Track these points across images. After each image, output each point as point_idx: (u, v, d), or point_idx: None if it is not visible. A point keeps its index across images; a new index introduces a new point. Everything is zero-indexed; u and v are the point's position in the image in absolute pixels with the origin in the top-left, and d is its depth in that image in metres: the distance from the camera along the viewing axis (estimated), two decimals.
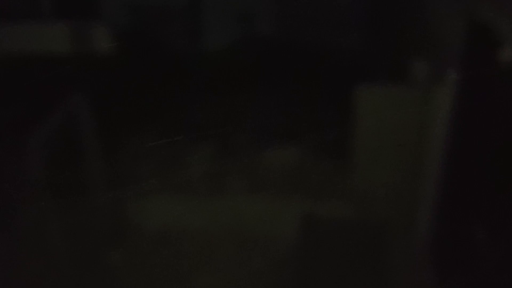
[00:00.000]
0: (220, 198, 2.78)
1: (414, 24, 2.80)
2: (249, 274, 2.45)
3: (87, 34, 2.37)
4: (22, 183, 2.41)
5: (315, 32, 3.36)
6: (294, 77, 3.26)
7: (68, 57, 2.51)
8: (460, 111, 2.31)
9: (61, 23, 2.39)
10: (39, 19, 2.77)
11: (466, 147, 2.23)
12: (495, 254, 1.78)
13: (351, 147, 2.53)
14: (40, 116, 2.16)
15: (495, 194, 1.81)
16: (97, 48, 2.33)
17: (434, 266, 2.54)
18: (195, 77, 3.38)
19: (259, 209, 2.73)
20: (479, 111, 2.01)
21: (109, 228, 2.80)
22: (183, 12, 3.54)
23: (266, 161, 2.92)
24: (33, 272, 2.43)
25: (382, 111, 2.43)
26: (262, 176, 2.89)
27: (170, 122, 3.32)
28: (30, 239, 2.47)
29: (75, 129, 2.51)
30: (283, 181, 2.78)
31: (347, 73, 3.11)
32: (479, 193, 1.98)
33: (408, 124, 2.43)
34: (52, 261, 2.20)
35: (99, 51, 2.35)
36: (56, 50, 2.44)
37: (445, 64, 2.21)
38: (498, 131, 1.80)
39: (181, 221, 2.87)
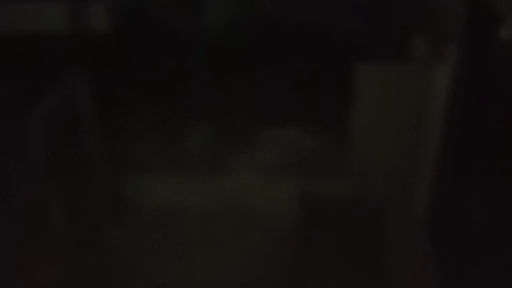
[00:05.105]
0: (220, 177, 2.84)
1: (413, 2, 2.83)
2: (248, 249, 2.55)
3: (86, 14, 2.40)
4: (24, 163, 2.46)
5: (315, 11, 3.40)
6: (294, 57, 3.33)
7: (68, 36, 2.53)
8: (459, 88, 2.35)
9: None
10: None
11: (465, 126, 2.28)
12: (492, 231, 1.87)
13: (351, 127, 2.56)
14: (40, 95, 2.20)
15: (493, 174, 1.88)
16: (97, 27, 2.37)
17: (431, 243, 2.61)
18: (197, 57, 3.44)
19: (258, 187, 2.81)
20: (478, 88, 2.06)
21: (110, 206, 2.87)
22: None
23: (266, 140, 2.99)
24: (36, 249, 2.50)
25: (381, 90, 2.47)
26: (262, 155, 2.94)
27: (171, 102, 3.40)
28: (33, 217, 2.54)
29: (76, 108, 2.56)
30: (281, 160, 2.84)
31: (346, 52, 3.17)
32: (477, 172, 2.04)
33: (407, 103, 2.48)
34: (55, 238, 2.28)
35: (99, 31, 2.39)
36: (56, 29, 2.48)
37: (445, 41, 2.25)
38: (497, 111, 1.87)
39: (181, 199, 2.95)
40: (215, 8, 4.78)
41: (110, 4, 2.36)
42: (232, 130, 3.48)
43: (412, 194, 2.73)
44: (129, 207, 2.98)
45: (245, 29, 4.70)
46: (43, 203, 2.40)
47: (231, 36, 4.58)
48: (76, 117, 2.63)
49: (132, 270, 2.60)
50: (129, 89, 4.01)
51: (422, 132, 2.54)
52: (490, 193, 2.08)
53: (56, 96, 2.41)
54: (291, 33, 4.30)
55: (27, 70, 4.00)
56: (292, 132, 3.16)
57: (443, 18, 2.43)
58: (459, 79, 2.36)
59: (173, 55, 4.58)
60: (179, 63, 4.53)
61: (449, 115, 2.50)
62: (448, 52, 2.30)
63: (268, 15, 4.78)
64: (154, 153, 3.14)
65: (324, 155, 3.02)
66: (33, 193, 3.04)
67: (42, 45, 4.01)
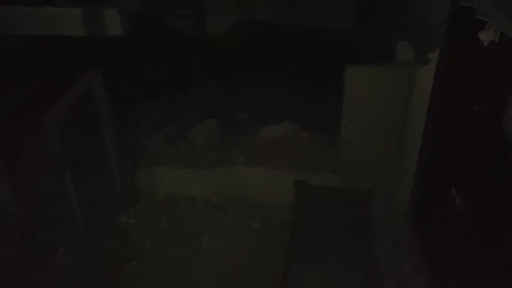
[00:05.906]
0: (223, 169, 3.03)
1: (399, 8, 3.00)
2: (247, 234, 2.74)
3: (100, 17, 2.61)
4: (43, 155, 2.67)
5: (308, 16, 3.65)
6: (289, 59, 3.57)
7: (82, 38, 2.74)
8: (443, 89, 2.50)
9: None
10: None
11: (446, 123, 2.41)
12: (472, 220, 2.01)
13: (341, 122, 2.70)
14: (56, 92, 2.39)
15: (474, 166, 2.01)
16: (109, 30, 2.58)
17: (416, 231, 2.76)
18: (201, 57, 3.70)
19: (257, 179, 2.99)
20: (460, 88, 2.20)
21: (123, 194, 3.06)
22: None
23: (264, 136, 3.17)
24: (54, 234, 2.70)
25: (369, 89, 2.64)
26: (260, 149, 3.13)
27: (177, 101, 3.65)
28: (52, 205, 2.75)
29: (90, 104, 2.76)
30: (278, 155, 3.01)
31: (337, 55, 3.37)
32: (458, 163, 2.18)
33: (393, 101, 2.65)
34: (71, 223, 2.47)
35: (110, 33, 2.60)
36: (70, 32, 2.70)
37: (429, 45, 2.39)
38: (478, 109, 2.00)
39: (187, 189, 3.16)
40: (218, 13, 4.92)
41: (122, 11, 2.53)
42: (234, 126, 3.63)
43: (396, 184, 2.85)
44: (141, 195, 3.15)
45: (246, 33, 4.84)
46: (61, 192, 2.58)
47: (232, 39, 4.73)
48: (92, 113, 2.81)
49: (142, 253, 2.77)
50: (139, 88, 4.18)
51: (407, 129, 2.66)
52: (469, 184, 2.18)
53: (74, 94, 2.59)
54: (287, 38, 4.42)
55: (46, 70, 4.20)
56: (288, 128, 3.30)
57: (428, 22, 2.53)
58: (442, 80, 2.47)
59: (181, 56, 4.73)
60: (184, 64, 4.68)
61: (432, 113, 2.61)
62: (432, 55, 2.41)
63: (267, 21, 4.91)
64: (163, 147, 3.30)
65: (317, 149, 3.15)
66: (52, 183, 3.24)
67: (60, 46, 4.22)
